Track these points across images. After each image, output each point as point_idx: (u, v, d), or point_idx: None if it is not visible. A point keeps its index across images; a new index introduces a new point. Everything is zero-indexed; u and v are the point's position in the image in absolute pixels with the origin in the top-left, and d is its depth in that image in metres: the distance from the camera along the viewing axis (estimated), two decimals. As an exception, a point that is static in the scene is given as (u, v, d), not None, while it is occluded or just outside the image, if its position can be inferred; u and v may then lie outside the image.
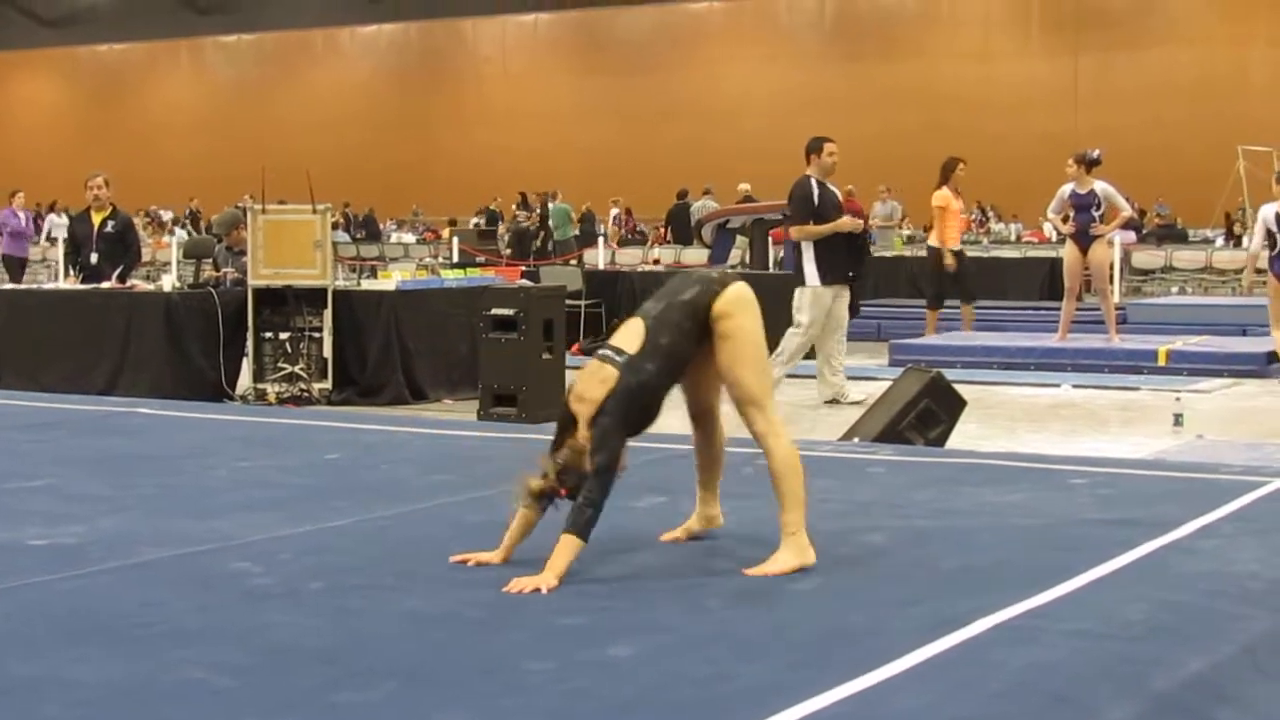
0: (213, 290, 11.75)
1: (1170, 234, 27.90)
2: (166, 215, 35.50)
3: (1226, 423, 10.24)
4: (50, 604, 4.25)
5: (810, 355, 11.45)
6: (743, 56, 38.57)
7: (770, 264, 17.25)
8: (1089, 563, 4.58)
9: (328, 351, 11.54)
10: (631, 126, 38.84)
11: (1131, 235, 23.24)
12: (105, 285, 11.92)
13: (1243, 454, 8.29)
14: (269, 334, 11.57)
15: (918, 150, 31.92)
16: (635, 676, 3.57)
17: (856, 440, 7.74)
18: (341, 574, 4.57)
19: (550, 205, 28.98)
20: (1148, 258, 23.80)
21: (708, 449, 4.99)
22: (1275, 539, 5.01)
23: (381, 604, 4.23)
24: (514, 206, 32.44)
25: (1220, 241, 27.10)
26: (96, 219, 12.47)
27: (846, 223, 11.27)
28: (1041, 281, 19.62)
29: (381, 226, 36.58)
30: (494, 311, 10.50)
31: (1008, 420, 10.41)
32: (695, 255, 21.91)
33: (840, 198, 11.74)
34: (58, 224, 23.55)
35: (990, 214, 33.15)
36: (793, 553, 4.57)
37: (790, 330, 11.08)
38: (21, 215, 20.67)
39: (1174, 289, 23.02)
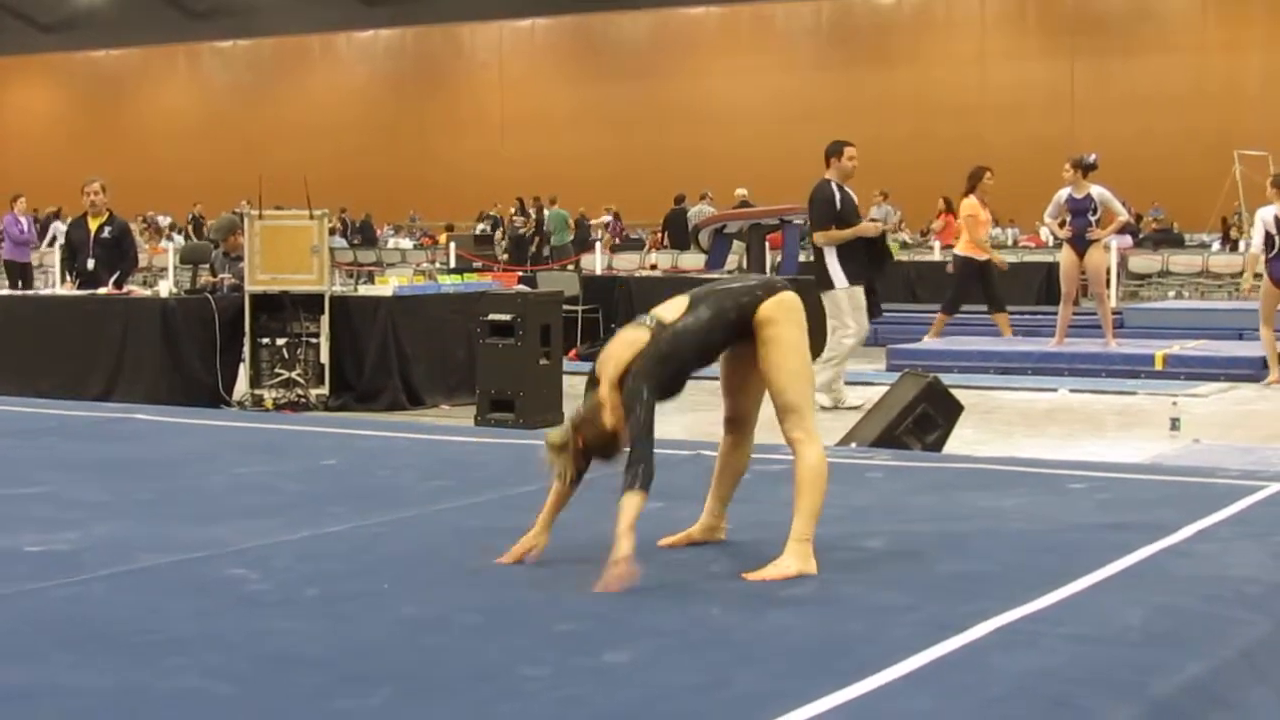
0: (210, 296, 11.75)
1: (1166, 238, 27.93)
2: (163, 221, 35.48)
3: (1223, 427, 10.24)
4: (46, 611, 4.24)
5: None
6: (739, 62, 38.59)
7: (767, 269, 17.24)
8: (1087, 567, 4.57)
9: (325, 357, 11.54)
10: (628, 132, 38.85)
11: (1128, 240, 23.28)
12: (102, 291, 11.92)
13: (1240, 458, 8.29)
14: (266, 340, 11.57)
15: (914, 155, 32.02)
16: (632, 682, 3.57)
17: (854, 445, 7.74)
18: (338, 580, 4.56)
19: (546, 211, 29.00)
20: (1144, 262, 23.83)
21: (732, 458, 4.97)
22: (1273, 543, 5.00)
23: (378, 610, 4.22)
24: (511, 212, 32.46)
25: (1216, 246, 27.13)
26: (93, 225, 12.47)
27: (869, 227, 11.36)
28: (1038, 286, 19.63)
29: (378, 232, 36.59)
30: (491, 317, 10.50)
31: (1005, 425, 10.41)
32: (692, 260, 21.92)
33: (856, 201, 11.76)
34: (62, 230, 23.48)
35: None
36: (796, 559, 4.56)
37: (837, 335, 11.05)
38: (24, 221, 20.62)
39: (1171, 293, 23.04)
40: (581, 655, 3.76)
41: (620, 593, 4.34)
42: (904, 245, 26.25)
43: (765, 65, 38.21)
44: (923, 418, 7.89)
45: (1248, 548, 4.94)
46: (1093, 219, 13.76)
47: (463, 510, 5.69)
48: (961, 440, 8.51)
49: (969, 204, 14.80)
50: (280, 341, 11.54)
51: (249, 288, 11.52)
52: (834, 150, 11.34)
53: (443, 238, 30.70)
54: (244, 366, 11.63)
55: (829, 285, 11.18)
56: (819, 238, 11.25)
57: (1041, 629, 3.95)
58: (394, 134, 42.15)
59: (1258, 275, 13.16)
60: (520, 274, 16.12)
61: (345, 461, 7.00)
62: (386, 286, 12.28)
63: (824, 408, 11.21)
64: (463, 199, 37.21)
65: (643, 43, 40.31)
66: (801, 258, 16.40)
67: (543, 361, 10.54)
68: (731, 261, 19.65)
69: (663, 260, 23.99)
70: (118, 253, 12.49)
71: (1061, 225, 13.99)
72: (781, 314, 4.69)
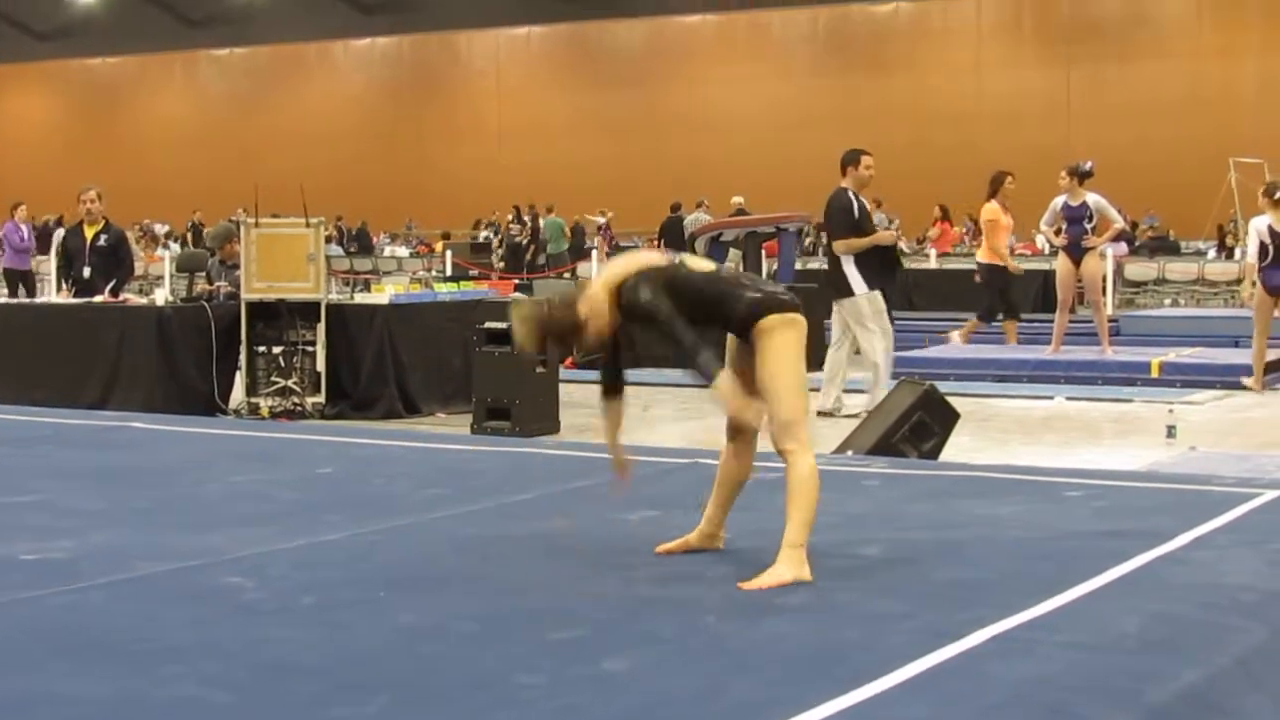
0: (206, 304, 11.75)
1: (1162, 246, 27.95)
2: (160, 229, 35.46)
3: (1219, 434, 10.25)
4: (42, 619, 4.24)
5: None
6: (735, 70, 38.60)
7: (764, 277, 17.26)
8: (1083, 575, 4.58)
9: (321, 365, 11.54)
10: (625, 139, 38.86)
11: (1124, 247, 23.29)
12: (98, 299, 11.91)
13: (1236, 465, 8.30)
14: (262, 348, 11.56)
15: (910, 164, 31.95)
16: (629, 690, 3.56)
17: (850, 453, 7.74)
18: (334, 588, 4.56)
19: (542, 220, 29.00)
20: (1140, 270, 23.85)
21: (734, 467, 4.97)
22: (1269, 550, 5.00)
23: (374, 618, 4.22)
24: (508, 220, 32.47)
25: (1212, 253, 27.15)
26: (89, 233, 12.46)
27: (886, 236, 11.41)
28: (1034, 294, 19.65)
29: (375, 240, 36.57)
30: (487, 325, 10.51)
31: (1001, 433, 10.41)
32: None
33: (869, 209, 11.77)
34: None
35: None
36: (790, 566, 4.56)
37: (868, 340, 11.02)
38: (24, 229, 20.58)
39: (1167, 301, 23.06)
40: (579, 663, 3.76)
41: (614, 602, 4.34)
42: (901, 254, 26.24)
43: (761, 73, 38.22)
44: (919, 425, 7.90)
45: (1244, 555, 4.94)
46: (1089, 227, 13.77)
47: (459, 518, 5.69)
48: (958, 448, 8.52)
49: (990, 209, 14.75)
50: (276, 349, 11.53)
51: (245, 296, 11.52)
52: (851, 159, 11.30)
53: (439, 246, 30.72)
54: (240, 374, 11.62)
55: (848, 293, 11.12)
56: (839, 246, 11.17)
57: (1038, 637, 3.95)
58: (391, 142, 42.15)
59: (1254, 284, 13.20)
60: (516, 282, 16.12)
61: (341, 470, 7.00)
62: (383, 295, 12.28)
63: (819, 413, 11.24)
64: (459, 207, 37.21)
65: (639, 51, 40.32)
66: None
67: (539, 370, 10.55)
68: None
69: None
70: (114, 261, 12.48)
71: (1057, 233, 14.01)
72: (781, 325, 4.72)
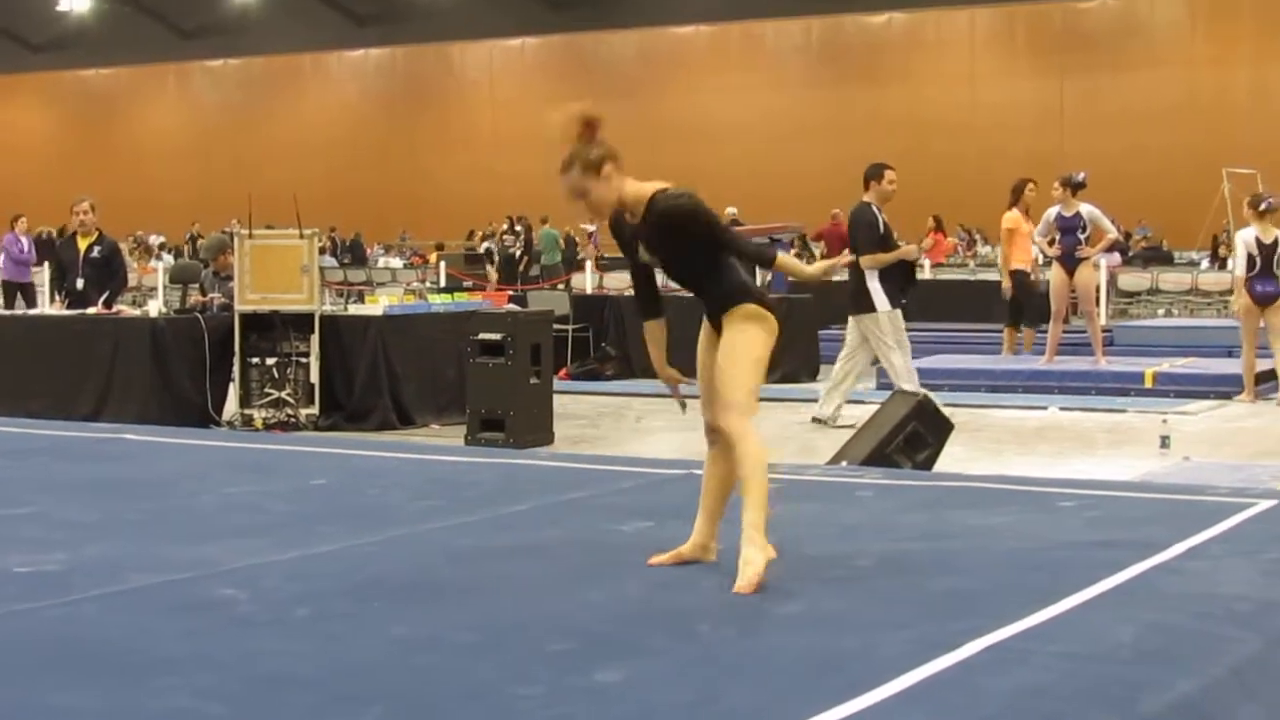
0: (199, 315, 11.74)
1: (1156, 256, 28.02)
2: (154, 240, 35.46)
3: (1213, 444, 10.26)
4: (36, 632, 4.23)
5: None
6: (729, 80, 38.66)
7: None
8: (1077, 585, 4.58)
9: (315, 377, 11.54)
10: (618, 150, 38.87)
11: (1117, 258, 23.33)
12: (91, 310, 11.90)
13: (1229, 475, 8.31)
14: (256, 359, 11.56)
15: (904, 174, 31.92)
16: (624, 701, 3.56)
17: (844, 464, 7.74)
18: (328, 600, 4.56)
19: (537, 231, 28.98)
20: (1134, 280, 23.89)
21: (718, 470, 4.99)
22: (1263, 560, 5.01)
23: (368, 630, 4.21)
24: (501, 230, 32.46)
25: (1206, 264, 27.21)
26: (82, 244, 12.46)
27: (911, 250, 11.40)
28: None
29: (369, 251, 36.60)
30: (481, 336, 10.51)
31: (995, 443, 10.42)
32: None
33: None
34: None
35: (977, 237, 33.23)
36: (753, 549, 4.63)
37: (888, 358, 11.01)
38: (24, 241, 20.54)
39: (1160, 311, 23.10)
40: (573, 674, 3.75)
41: (608, 613, 4.34)
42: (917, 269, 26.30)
43: (755, 83, 38.28)
44: (913, 436, 7.91)
45: (1238, 565, 4.94)
46: (1082, 237, 13.79)
47: (453, 530, 5.68)
48: (952, 458, 8.52)
49: (1010, 217, 14.66)
50: (270, 361, 11.53)
51: (239, 307, 11.51)
52: (874, 173, 11.29)
53: (433, 257, 30.71)
54: (234, 386, 11.62)
55: (870, 308, 11.09)
56: (865, 261, 11.11)
57: (1032, 647, 3.95)
58: (384, 153, 42.18)
59: (1244, 294, 13.23)
60: (510, 293, 16.12)
61: (335, 481, 6.99)
62: (377, 306, 12.28)
63: (814, 419, 11.25)
64: (453, 218, 37.22)
65: (632, 61, 40.37)
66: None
67: (533, 381, 10.55)
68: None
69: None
70: (107, 272, 12.48)
71: (1051, 243, 14.02)
72: (752, 315, 4.84)
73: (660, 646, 4.01)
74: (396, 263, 33.49)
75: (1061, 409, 12.26)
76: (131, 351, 11.38)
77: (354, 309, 12.49)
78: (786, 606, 4.43)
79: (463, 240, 34.46)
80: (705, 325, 5.01)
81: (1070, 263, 13.77)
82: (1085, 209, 13.76)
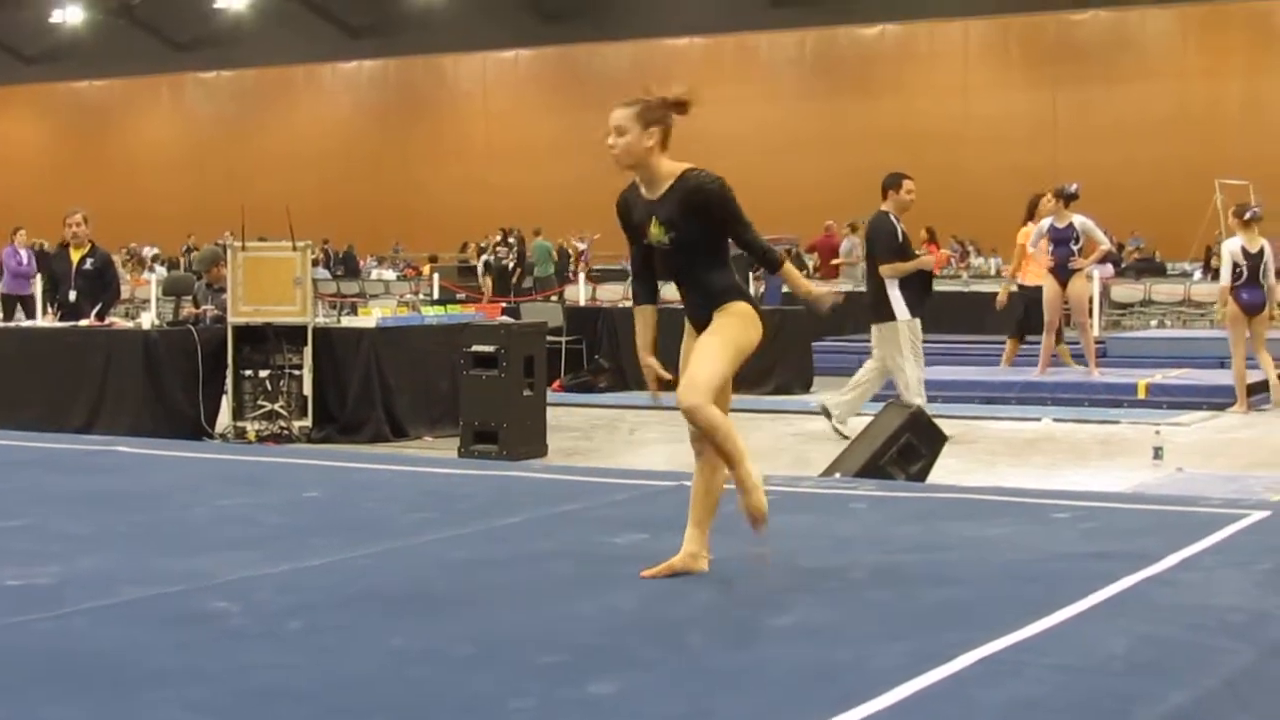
0: (192, 328, 11.73)
1: (1149, 267, 28.04)
2: (147, 252, 35.44)
3: (1206, 455, 10.27)
4: (28, 645, 4.22)
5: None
6: (723, 92, 38.59)
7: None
8: (1071, 596, 4.58)
9: (308, 389, 11.52)
10: (611, 162, 38.87)
11: (1110, 269, 23.34)
12: (84, 323, 11.89)
13: (1222, 486, 8.31)
14: (249, 371, 11.54)
15: (897, 185, 32.07)
16: (617, 713, 3.56)
17: (838, 476, 7.74)
18: (321, 612, 4.55)
19: (530, 242, 28.98)
20: (1127, 291, 23.90)
21: (705, 477, 5.00)
22: (1256, 571, 5.01)
23: (361, 643, 4.21)
24: (495, 242, 32.48)
25: (1199, 275, 27.23)
26: (75, 256, 12.44)
27: (930, 260, 11.41)
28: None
29: (362, 263, 36.58)
30: (475, 348, 10.50)
31: (988, 454, 10.42)
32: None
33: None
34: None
35: (970, 248, 33.27)
36: (745, 492, 4.73)
37: (901, 369, 11.00)
38: (23, 253, 20.50)
39: (1153, 322, 23.11)
40: (567, 686, 3.75)
41: (601, 625, 4.33)
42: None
43: (749, 95, 38.29)
44: (906, 448, 7.91)
45: (1231, 576, 4.95)
46: (1075, 248, 13.79)
47: (446, 542, 5.68)
48: (945, 470, 8.52)
49: (1026, 232, 14.61)
50: (263, 373, 11.52)
51: (232, 319, 11.50)
52: (892, 183, 11.29)
53: (426, 269, 30.70)
54: (227, 398, 11.60)
55: (889, 317, 11.08)
56: (886, 270, 11.11)
57: (1026, 659, 3.95)
58: (378, 165, 42.18)
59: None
60: (503, 305, 16.12)
61: (328, 493, 6.99)
62: (369, 318, 12.26)
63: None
64: (446, 229, 37.22)
65: (626, 73, 40.35)
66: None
67: (526, 393, 10.54)
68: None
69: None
70: (100, 284, 12.46)
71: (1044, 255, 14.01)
72: (747, 319, 4.91)
73: (653, 658, 4.01)
74: (390, 275, 33.48)
75: (1055, 420, 12.26)
76: (124, 363, 11.36)
77: (347, 321, 12.45)
78: (780, 618, 4.42)
79: (456, 252, 34.46)
80: (687, 328, 5.04)
81: (1063, 274, 13.78)
82: (1078, 220, 13.77)
